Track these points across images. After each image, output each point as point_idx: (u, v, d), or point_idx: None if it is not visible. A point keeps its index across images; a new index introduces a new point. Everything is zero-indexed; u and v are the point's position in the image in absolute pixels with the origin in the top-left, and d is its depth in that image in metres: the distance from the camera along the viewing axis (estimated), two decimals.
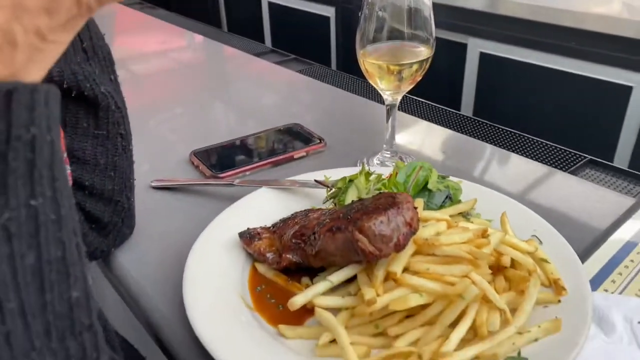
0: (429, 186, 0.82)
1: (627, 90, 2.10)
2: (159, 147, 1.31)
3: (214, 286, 0.76)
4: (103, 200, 0.84)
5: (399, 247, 0.66)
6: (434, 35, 1.00)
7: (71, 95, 0.77)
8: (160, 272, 0.86)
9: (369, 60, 0.98)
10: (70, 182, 0.79)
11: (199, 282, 0.76)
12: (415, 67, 0.96)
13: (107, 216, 0.85)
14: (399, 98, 1.06)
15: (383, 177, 0.85)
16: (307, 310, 0.74)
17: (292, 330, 0.70)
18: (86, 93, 0.77)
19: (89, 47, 0.78)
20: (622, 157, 2.16)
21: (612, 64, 2.12)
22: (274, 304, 0.76)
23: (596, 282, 0.80)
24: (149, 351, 0.85)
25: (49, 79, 0.75)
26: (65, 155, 0.78)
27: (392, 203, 0.68)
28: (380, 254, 0.66)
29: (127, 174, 0.87)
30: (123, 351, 0.77)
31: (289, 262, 0.78)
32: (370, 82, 1.03)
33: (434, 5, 1.00)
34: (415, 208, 0.69)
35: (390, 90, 1.02)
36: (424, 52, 0.99)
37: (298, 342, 0.69)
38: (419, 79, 1.02)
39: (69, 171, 0.78)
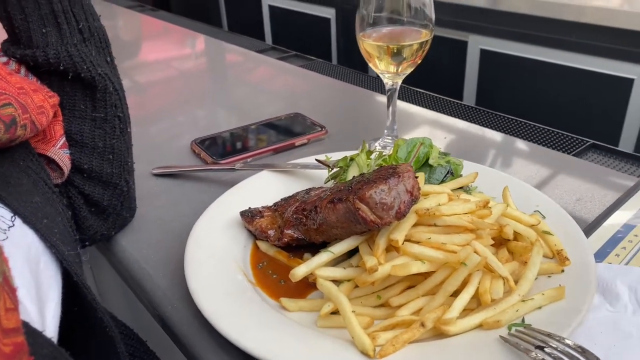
0: (430, 161, 0.81)
1: (628, 83, 2.10)
2: (160, 137, 1.31)
3: (215, 262, 0.76)
4: (102, 183, 0.84)
5: (400, 215, 0.66)
6: (433, 18, 1.00)
7: (68, 77, 0.77)
8: (161, 254, 0.86)
9: (369, 42, 0.98)
10: (69, 165, 0.78)
11: (199, 258, 0.76)
12: (415, 47, 0.96)
13: (106, 200, 0.85)
14: (399, 82, 1.06)
15: (384, 154, 0.85)
16: (309, 285, 0.74)
17: (293, 302, 0.69)
18: (83, 75, 0.77)
19: (85, 28, 0.78)
20: (626, 146, 2.15)
21: (613, 56, 2.12)
22: (275, 279, 0.76)
23: (600, 257, 0.80)
24: (151, 332, 0.85)
25: (45, 61, 0.75)
26: (64, 139, 0.78)
27: (393, 173, 0.68)
28: (381, 222, 0.65)
29: (125, 157, 0.86)
30: (123, 335, 0.77)
31: (290, 238, 0.78)
32: (370, 64, 1.03)
33: (434, 3, 1.00)
34: (416, 177, 0.69)
35: (389, 73, 1.02)
36: (424, 34, 0.99)
37: (300, 315, 0.69)
38: (418, 61, 1.02)
39: (67, 155, 0.78)
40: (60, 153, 0.76)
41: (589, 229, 0.86)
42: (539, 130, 1.31)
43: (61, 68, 0.75)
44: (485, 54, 2.53)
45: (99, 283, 1.24)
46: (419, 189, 0.68)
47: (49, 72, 0.76)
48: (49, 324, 0.57)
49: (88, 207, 0.84)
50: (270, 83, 1.75)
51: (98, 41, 0.81)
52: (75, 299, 0.63)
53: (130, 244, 0.90)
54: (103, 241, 0.91)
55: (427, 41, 0.99)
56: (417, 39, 0.98)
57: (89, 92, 0.79)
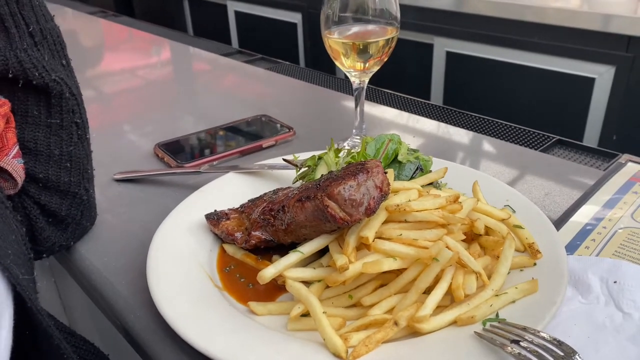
0: (399, 158, 0.80)
1: (590, 82, 2.14)
2: (123, 142, 1.27)
3: (179, 267, 0.73)
4: (59, 193, 0.78)
5: (370, 212, 0.64)
6: (398, 16, 0.99)
7: (18, 83, 0.72)
8: (123, 261, 0.82)
9: (334, 39, 0.96)
10: (23, 175, 0.74)
11: (163, 263, 0.73)
12: (381, 43, 0.95)
13: (65, 209, 0.80)
14: (366, 81, 1.05)
15: (352, 151, 0.83)
16: (278, 288, 0.71)
17: (262, 306, 0.67)
18: (35, 82, 0.72)
19: (37, 30, 0.73)
20: (589, 142, 2.20)
21: (574, 56, 2.17)
22: (243, 282, 0.73)
23: (570, 250, 0.79)
24: (116, 343, 0.81)
25: None
26: (17, 147, 0.73)
27: (362, 169, 0.66)
28: (351, 219, 0.63)
29: (84, 164, 0.81)
30: (82, 351, 0.73)
31: (258, 240, 0.75)
32: (337, 63, 1.01)
33: (399, 6, 0.99)
34: (385, 173, 0.67)
35: (356, 71, 1.00)
36: (389, 30, 0.98)
37: (269, 319, 0.66)
38: (385, 58, 1.00)
39: (21, 164, 0.73)
40: (13, 163, 0.71)
41: (558, 222, 0.86)
42: (506, 127, 1.31)
43: (10, 75, 0.70)
44: (451, 56, 2.56)
45: (62, 290, 1.19)
46: (388, 184, 0.66)
47: None
48: (1, 353, 0.52)
49: (45, 218, 0.79)
50: (237, 86, 1.72)
51: (52, 44, 0.76)
52: (28, 324, 0.59)
53: (90, 252, 0.86)
54: (62, 251, 0.87)
55: (392, 38, 0.98)
56: (382, 35, 0.97)
57: (43, 98, 0.74)
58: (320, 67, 3.22)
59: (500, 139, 1.23)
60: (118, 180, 1.05)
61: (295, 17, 3.31)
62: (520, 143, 1.22)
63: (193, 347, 0.60)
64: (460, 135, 1.25)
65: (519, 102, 2.39)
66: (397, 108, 1.45)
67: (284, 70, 1.83)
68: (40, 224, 0.78)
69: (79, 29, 2.45)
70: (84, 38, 2.37)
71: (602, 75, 2.11)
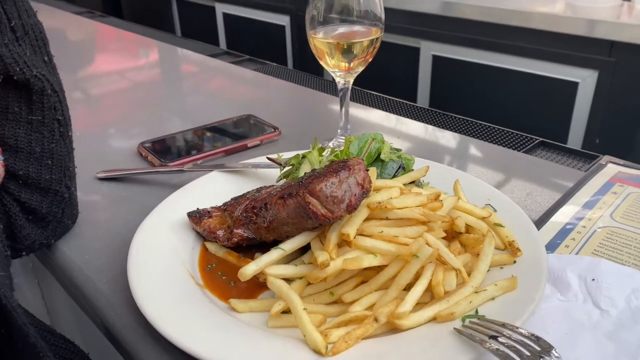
0: (382, 157, 0.81)
1: (574, 86, 2.17)
2: (107, 141, 1.26)
3: (160, 265, 0.72)
4: (40, 190, 0.78)
5: (351, 208, 0.64)
6: (383, 18, 1.00)
7: None
8: (105, 259, 0.82)
9: (319, 39, 0.97)
10: (3, 172, 0.73)
11: (144, 261, 0.72)
12: (365, 43, 0.96)
13: (46, 207, 0.79)
14: (351, 81, 1.06)
15: (336, 150, 0.83)
16: (260, 285, 0.71)
17: (243, 303, 0.66)
18: (15, 77, 0.71)
19: (18, 26, 0.72)
20: (573, 145, 2.23)
21: (558, 61, 2.19)
22: (225, 280, 0.73)
23: (550, 249, 0.80)
24: (98, 341, 0.81)
25: None
26: None
27: (344, 166, 0.66)
28: (332, 216, 0.63)
29: (66, 162, 0.80)
30: (61, 349, 0.73)
31: (240, 238, 0.75)
32: (321, 62, 1.02)
33: (386, 9, 1.00)
34: (367, 170, 0.68)
35: (341, 71, 1.01)
36: (374, 31, 0.98)
37: (250, 316, 0.66)
38: (370, 59, 1.01)
39: (1, 161, 0.73)
40: None
41: (539, 222, 0.87)
42: (490, 129, 1.33)
43: None
44: (437, 60, 2.58)
45: (45, 291, 1.18)
46: (370, 181, 0.67)
47: None
48: None
49: (25, 215, 0.78)
50: (224, 87, 1.71)
51: (34, 39, 0.75)
52: (3, 322, 0.58)
53: (71, 249, 0.85)
54: (42, 249, 0.86)
55: (377, 38, 0.99)
56: (367, 36, 0.97)
57: (24, 94, 0.73)
58: (308, 69, 3.23)
59: (485, 141, 1.24)
60: (101, 179, 1.05)
61: (283, 20, 3.32)
62: (504, 145, 1.24)
63: (174, 344, 0.60)
64: (446, 137, 1.26)
65: (504, 105, 2.41)
66: (384, 110, 1.46)
67: (272, 71, 1.83)
68: (20, 222, 0.77)
69: (66, 30, 2.43)
70: (71, 39, 2.35)
71: (586, 80, 2.13)
